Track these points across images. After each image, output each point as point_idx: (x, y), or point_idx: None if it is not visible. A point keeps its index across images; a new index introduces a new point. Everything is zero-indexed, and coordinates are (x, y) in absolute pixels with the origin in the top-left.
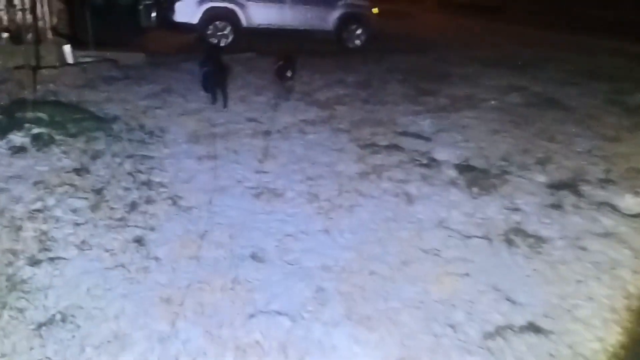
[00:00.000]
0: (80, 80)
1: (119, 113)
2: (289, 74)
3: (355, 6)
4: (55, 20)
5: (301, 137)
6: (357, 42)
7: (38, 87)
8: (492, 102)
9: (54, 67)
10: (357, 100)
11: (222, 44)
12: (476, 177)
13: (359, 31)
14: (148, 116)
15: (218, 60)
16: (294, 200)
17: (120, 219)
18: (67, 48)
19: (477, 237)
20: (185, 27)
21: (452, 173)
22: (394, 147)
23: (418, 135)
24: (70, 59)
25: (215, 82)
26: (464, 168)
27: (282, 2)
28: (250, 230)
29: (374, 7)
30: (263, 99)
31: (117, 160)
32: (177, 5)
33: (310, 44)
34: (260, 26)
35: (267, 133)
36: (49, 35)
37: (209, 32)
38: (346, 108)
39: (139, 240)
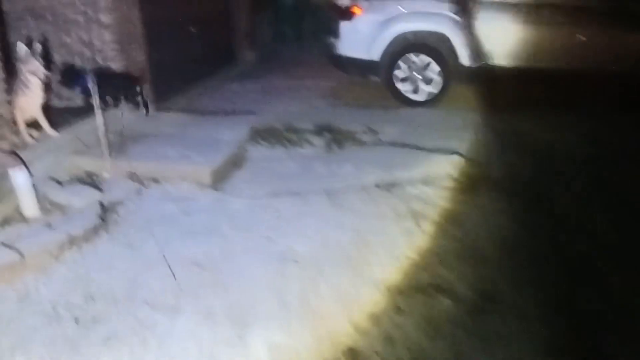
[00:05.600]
0: None
1: None
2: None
3: None
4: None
5: None
6: None
7: None
8: None
9: None
10: None
11: (419, 98)
12: None
13: None
14: None
15: None
16: None
17: None
18: (17, 177)
19: None
20: (358, 64)
21: None
22: None
23: None
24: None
25: None
26: None
27: (547, 18)
28: None
29: None
30: None
31: None
32: (345, 30)
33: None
34: (499, 65)
35: None
36: None
37: (396, 73)
38: None
39: None
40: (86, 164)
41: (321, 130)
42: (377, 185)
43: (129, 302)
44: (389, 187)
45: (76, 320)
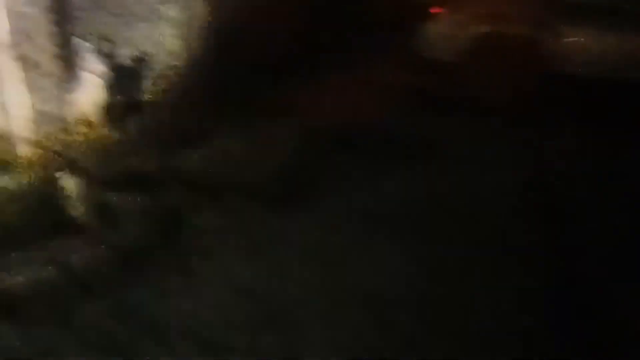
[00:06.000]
0: None
1: None
2: None
3: None
4: None
5: None
6: None
7: None
8: None
9: None
10: None
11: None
12: None
13: None
14: None
15: None
16: None
17: None
18: (66, 181)
19: None
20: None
21: None
22: None
23: None
24: (76, 215)
25: None
26: None
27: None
28: None
29: None
30: None
31: None
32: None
33: None
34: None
35: None
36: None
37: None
38: None
39: None
40: (142, 166)
41: None
42: None
43: (175, 336)
44: None
45: (116, 353)
